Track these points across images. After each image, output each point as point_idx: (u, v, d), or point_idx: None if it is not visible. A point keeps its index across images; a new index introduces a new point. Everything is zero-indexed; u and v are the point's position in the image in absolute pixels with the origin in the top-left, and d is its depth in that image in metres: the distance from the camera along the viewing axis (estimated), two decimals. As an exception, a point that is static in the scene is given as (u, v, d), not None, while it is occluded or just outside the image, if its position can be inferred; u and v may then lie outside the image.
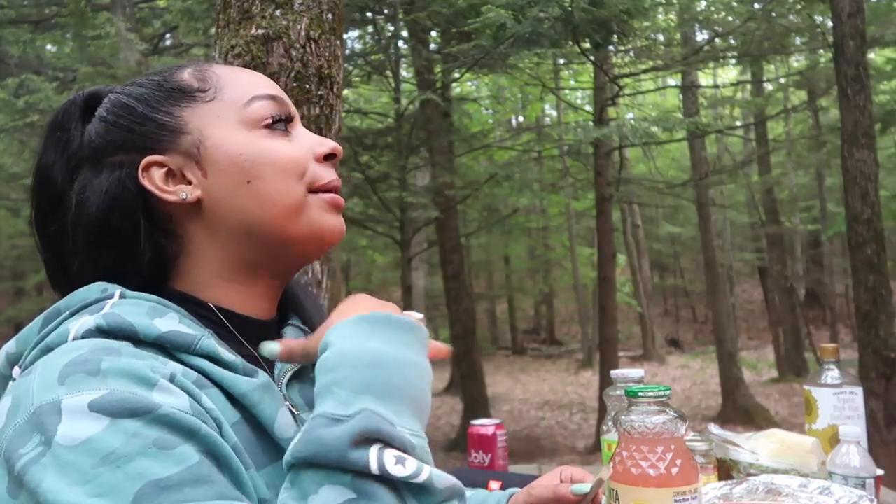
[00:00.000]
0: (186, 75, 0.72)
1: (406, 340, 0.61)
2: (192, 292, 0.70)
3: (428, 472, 0.54)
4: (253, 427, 0.63)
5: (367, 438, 0.53)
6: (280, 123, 0.71)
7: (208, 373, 0.62)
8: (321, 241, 0.72)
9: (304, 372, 0.75)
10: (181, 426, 0.53)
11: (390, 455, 0.53)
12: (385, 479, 0.52)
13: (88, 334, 0.59)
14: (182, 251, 0.69)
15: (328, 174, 0.72)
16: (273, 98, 0.72)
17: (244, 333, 0.70)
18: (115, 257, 0.67)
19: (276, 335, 0.74)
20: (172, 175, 0.68)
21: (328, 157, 0.73)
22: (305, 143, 0.72)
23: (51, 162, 0.71)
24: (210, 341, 0.63)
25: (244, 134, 0.69)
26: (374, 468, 0.52)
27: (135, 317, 0.61)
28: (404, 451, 0.54)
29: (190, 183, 0.68)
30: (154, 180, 0.68)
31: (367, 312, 0.62)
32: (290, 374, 0.72)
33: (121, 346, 0.58)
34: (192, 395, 0.57)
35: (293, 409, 0.69)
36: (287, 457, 0.54)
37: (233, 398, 0.63)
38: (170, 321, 0.63)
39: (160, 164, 0.68)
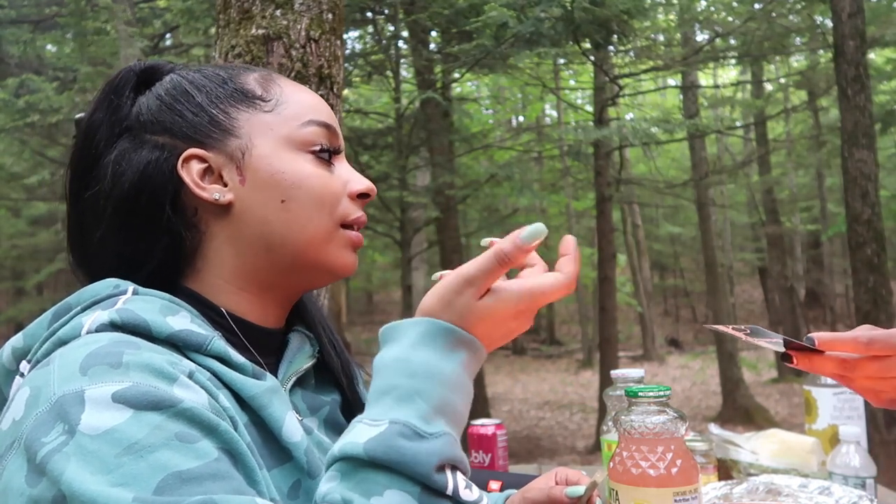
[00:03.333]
0: (252, 80, 0.72)
1: (475, 368, 0.61)
2: (204, 294, 0.69)
3: (485, 499, 0.57)
4: (260, 429, 0.64)
5: (448, 464, 0.55)
6: (325, 153, 0.71)
7: (219, 374, 0.62)
8: (332, 275, 0.72)
9: (306, 378, 0.75)
10: (202, 421, 0.54)
11: (462, 479, 0.56)
12: (453, 499, 0.55)
13: (102, 328, 0.60)
14: (199, 248, 0.69)
15: (357, 212, 0.73)
16: (328, 127, 0.72)
17: (251, 340, 0.70)
18: (133, 237, 0.67)
19: (282, 343, 0.75)
20: (210, 172, 0.69)
21: (361, 196, 0.73)
22: (343, 178, 0.73)
23: (98, 122, 0.70)
24: (221, 342, 0.64)
25: (291, 154, 0.69)
26: (449, 490, 0.54)
27: (148, 313, 0.61)
28: (466, 476, 0.57)
29: (226, 185, 0.68)
30: (191, 172, 0.68)
31: (458, 318, 0.59)
32: (293, 379, 0.72)
33: (139, 340, 0.59)
34: (209, 393, 0.58)
35: (297, 415, 0.69)
36: (347, 450, 0.55)
37: (241, 400, 0.63)
38: (182, 320, 0.63)
39: (201, 159, 0.68)
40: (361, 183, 0.73)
